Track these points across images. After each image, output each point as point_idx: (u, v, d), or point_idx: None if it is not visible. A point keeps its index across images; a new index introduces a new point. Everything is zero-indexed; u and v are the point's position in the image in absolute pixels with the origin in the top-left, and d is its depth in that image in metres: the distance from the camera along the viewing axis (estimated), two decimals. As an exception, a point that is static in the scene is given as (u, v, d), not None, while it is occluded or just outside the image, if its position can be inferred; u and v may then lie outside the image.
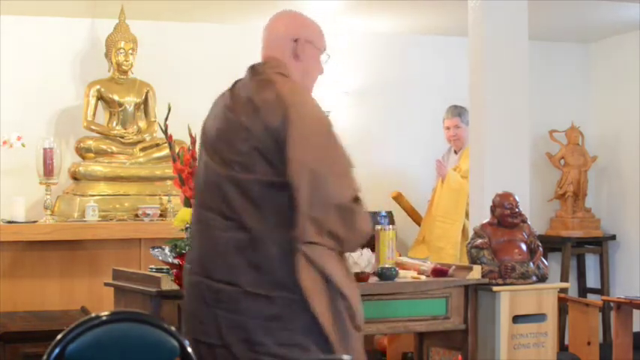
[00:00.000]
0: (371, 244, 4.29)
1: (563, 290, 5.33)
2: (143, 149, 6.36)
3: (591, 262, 7.63)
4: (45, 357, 2.52)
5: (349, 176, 2.82)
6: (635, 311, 5.43)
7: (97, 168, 6.18)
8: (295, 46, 2.98)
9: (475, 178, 5.41)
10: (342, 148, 2.83)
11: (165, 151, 6.08)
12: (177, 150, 3.88)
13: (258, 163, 2.78)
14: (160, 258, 3.82)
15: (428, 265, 4.30)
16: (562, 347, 6.31)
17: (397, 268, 4.13)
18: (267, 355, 2.71)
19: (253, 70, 3.06)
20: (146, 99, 6.48)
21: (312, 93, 3.01)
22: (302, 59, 2.99)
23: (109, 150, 6.28)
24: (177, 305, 3.61)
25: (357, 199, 2.80)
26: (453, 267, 4.26)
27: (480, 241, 4.39)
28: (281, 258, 2.73)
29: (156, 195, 6.17)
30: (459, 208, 6.28)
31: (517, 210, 4.44)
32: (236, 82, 3.14)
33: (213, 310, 2.78)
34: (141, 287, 3.83)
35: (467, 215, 5.95)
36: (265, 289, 2.73)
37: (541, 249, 4.47)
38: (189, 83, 6.72)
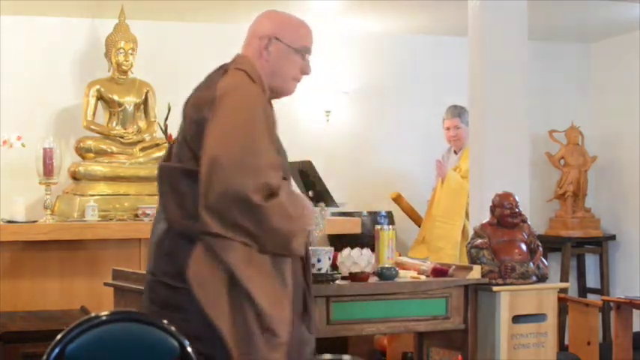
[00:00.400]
0: (371, 244, 4.30)
1: (563, 290, 5.32)
2: (143, 149, 6.37)
3: (591, 262, 7.63)
4: (45, 357, 2.52)
5: (260, 170, 2.69)
6: (635, 311, 5.43)
7: (97, 168, 6.18)
8: (262, 44, 2.99)
9: (475, 178, 5.41)
10: (261, 142, 2.72)
11: (165, 151, 6.08)
12: (177, 150, 3.86)
13: (186, 153, 2.85)
14: (160, 258, 3.81)
15: (428, 265, 4.30)
16: (562, 347, 6.31)
17: (397, 268, 4.12)
18: None
19: (220, 66, 3.03)
20: (146, 99, 6.49)
21: (286, 92, 3.01)
22: (268, 58, 2.97)
23: (109, 150, 6.28)
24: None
25: (271, 195, 2.70)
26: (453, 267, 4.25)
27: (479, 241, 4.39)
28: (185, 248, 2.76)
29: (156, 195, 6.14)
30: (459, 209, 6.27)
31: (517, 210, 4.44)
32: None
33: (144, 301, 2.95)
34: (141, 287, 3.81)
35: (467, 215, 5.94)
36: (171, 279, 2.79)
37: (541, 249, 4.46)
38: (189, 83, 6.68)
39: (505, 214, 4.42)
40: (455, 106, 6.60)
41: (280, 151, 2.92)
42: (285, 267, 2.82)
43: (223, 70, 2.95)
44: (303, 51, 3.03)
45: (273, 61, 2.97)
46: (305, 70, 3.03)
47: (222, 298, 2.70)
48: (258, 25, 3.05)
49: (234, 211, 2.66)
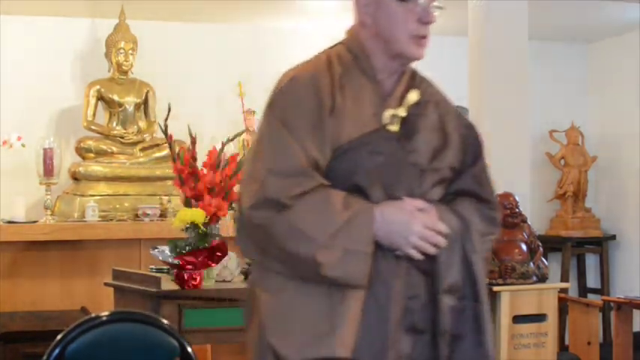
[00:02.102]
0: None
1: (564, 290, 5.32)
2: (143, 149, 6.37)
3: (591, 262, 7.62)
4: (45, 357, 2.52)
5: (256, 178, 2.10)
6: (635, 311, 5.43)
7: (97, 168, 6.17)
8: (359, 8, 2.26)
9: (475, 178, 5.41)
10: (271, 143, 2.13)
11: (165, 151, 6.08)
12: (177, 150, 3.88)
13: None
14: (160, 258, 3.82)
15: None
16: (562, 347, 6.31)
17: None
18: None
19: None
20: (146, 99, 6.49)
21: (411, 56, 2.27)
22: (368, 23, 2.25)
23: (109, 150, 6.28)
24: (177, 305, 3.61)
25: (282, 208, 2.06)
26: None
27: (480, 241, 4.39)
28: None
29: (156, 195, 6.17)
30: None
31: (517, 210, 4.44)
32: None
33: None
34: (141, 287, 3.82)
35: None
36: None
37: (541, 249, 4.47)
38: (189, 83, 6.72)
39: (505, 214, 4.42)
40: (455, 107, 6.60)
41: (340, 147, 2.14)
42: (339, 304, 2.08)
43: None
44: None
45: (376, 24, 2.23)
46: (425, 18, 2.25)
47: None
48: None
49: (250, 232, 2.14)
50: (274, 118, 2.15)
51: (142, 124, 6.46)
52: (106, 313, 2.63)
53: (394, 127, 2.18)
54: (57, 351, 2.52)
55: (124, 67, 6.37)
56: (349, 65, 2.23)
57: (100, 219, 5.92)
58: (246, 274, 3.97)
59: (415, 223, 2.10)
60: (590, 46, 7.77)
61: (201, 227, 3.66)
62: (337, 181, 2.12)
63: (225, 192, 3.74)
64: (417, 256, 2.11)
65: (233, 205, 3.80)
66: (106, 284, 4.26)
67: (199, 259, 3.63)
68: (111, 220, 5.98)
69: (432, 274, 2.14)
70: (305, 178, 2.09)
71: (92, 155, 6.23)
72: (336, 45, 2.29)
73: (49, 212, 5.87)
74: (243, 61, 6.76)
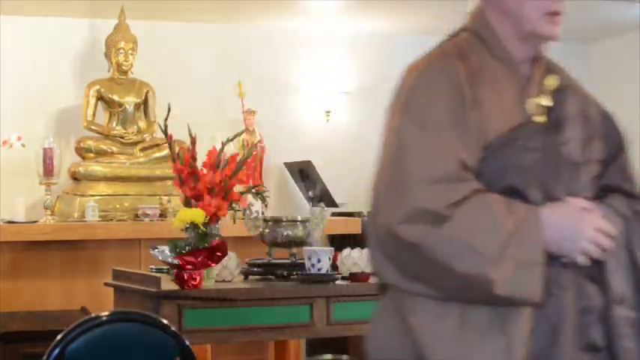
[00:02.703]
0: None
1: None
2: (143, 149, 6.37)
3: (591, 262, 7.62)
4: (45, 357, 2.52)
5: (405, 190, 1.82)
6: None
7: (97, 168, 6.17)
8: None
9: (475, 178, 5.41)
10: (413, 147, 1.85)
11: (165, 151, 6.08)
12: (177, 150, 3.88)
13: None
14: (160, 258, 3.82)
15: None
16: (562, 347, 6.30)
17: (397, 268, 4.11)
18: None
19: None
20: (146, 99, 6.49)
21: (544, 35, 2.05)
22: (496, 1, 2.04)
23: (109, 150, 6.28)
24: (177, 305, 3.61)
25: (441, 217, 1.79)
26: (453, 267, 4.25)
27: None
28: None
29: (156, 195, 6.17)
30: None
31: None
32: None
33: None
34: (141, 287, 3.82)
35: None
36: None
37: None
38: (189, 83, 6.73)
39: None
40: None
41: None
42: (510, 326, 1.81)
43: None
44: None
45: (502, 2, 2.02)
46: None
47: None
48: None
49: (394, 253, 1.86)
50: (411, 119, 1.88)
51: (142, 124, 6.46)
52: (106, 313, 2.63)
53: (541, 118, 1.93)
54: (57, 351, 2.52)
55: (123, 67, 6.37)
56: (480, 51, 2.00)
57: (100, 219, 5.92)
58: (246, 274, 3.97)
59: (586, 225, 1.85)
60: (590, 46, 7.77)
61: (201, 227, 3.65)
62: (488, 183, 1.85)
63: (225, 192, 3.74)
64: (586, 262, 1.86)
65: (233, 205, 3.80)
66: (106, 284, 4.26)
67: (199, 259, 3.62)
68: (111, 220, 5.98)
69: (601, 282, 1.89)
70: (459, 183, 1.81)
71: (92, 155, 6.23)
72: (457, 33, 2.08)
73: (49, 212, 5.87)
74: (243, 61, 6.77)
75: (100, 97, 6.42)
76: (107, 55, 6.41)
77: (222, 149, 3.83)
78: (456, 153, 1.83)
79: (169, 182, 6.07)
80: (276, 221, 4.00)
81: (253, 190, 4.08)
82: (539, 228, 1.81)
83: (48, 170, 5.84)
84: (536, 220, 1.82)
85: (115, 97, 6.41)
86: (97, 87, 6.40)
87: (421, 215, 1.78)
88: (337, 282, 3.88)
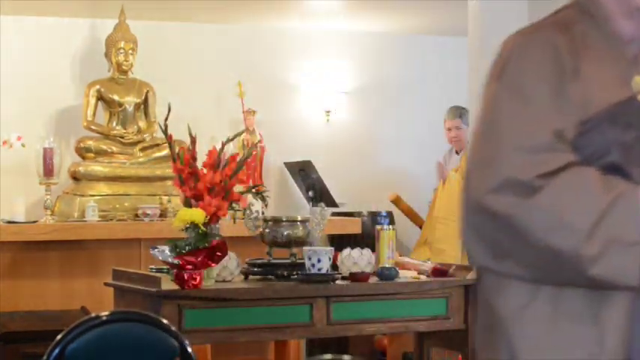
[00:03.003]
0: (371, 244, 4.29)
1: None
2: (143, 149, 6.37)
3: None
4: (45, 357, 2.52)
5: (495, 160, 1.74)
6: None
7: (97, 168, 6.18)
8: None
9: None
10: (508, 117, 1.77)
11: (165, 151, 6.08)
12: (177, 150, 3.88)
13: None
14: (160, 258, 3.82)
15: (428, 265, 4.30)
16: None
17: (397, 269, 4.12)
18: None
19: None
20: (146, 99, 6.49)
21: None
22: None
23: (109, 150, 6.28)
24: (177, 305, 3.61)
25: (532, 188, 1.69)
26: (453, 267, 4.25)
27: (480, 241, 4.38)
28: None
29: (156, 195, 6.17)
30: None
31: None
32: None
33: None
34: (141, 287, 3.82)
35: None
36: None
37: None
38: (189, 83, 6.73)
39: None
40: (456, 107, 6.59)
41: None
42: (603, 313, 1.72)
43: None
44: None
45: None
46: None
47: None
48: None
49: (483, 227, 1.75)
50: (507, 88, 1.81)
51: (142, 124, 6.47)
52: (106, 313, 2.63)
53: None
54: (57, 351, 2.52)
55: (123, 67, 6.37)
56: (586, 25, 1.88)
57: (100, 219, 5.92)
58: (246, 274, 3.98)
59: None
60: (590, 46, 7.77)
61: (201, 227, 3.66)
62: (587, 158, 1.75)
63: (225, 192, 3.74)
64: None
65: (233, 205, 3.80)
66: (106, 284, 4.26)
67: (199, 259, 3.63)
68: (111, 220, 5.98)
69: None
70: (554, 153, 1.71)
71: (92, 155, 6.23)
72: (561, 9, 1.96)
73: (49, 212, 5.87)
74: (243, 61, 6.77)
75: (100, 97, 6.42)
76: (107, 55, 6.41)
77: (222, 149, 3.83)
78: (552, 123, 1.74)
79: (169, 182, 6.07)
80: (276, 221, 4.00)
81: (253, 190, 4.08)
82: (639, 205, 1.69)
83: (48, 170, 5.84)
84: (637, 197, 1.69)
85: (115, 97, 6.41)
86: (97, 87, 6.40)
87: (510, 185, 1.69)
88: (337, 282, 3.88)
